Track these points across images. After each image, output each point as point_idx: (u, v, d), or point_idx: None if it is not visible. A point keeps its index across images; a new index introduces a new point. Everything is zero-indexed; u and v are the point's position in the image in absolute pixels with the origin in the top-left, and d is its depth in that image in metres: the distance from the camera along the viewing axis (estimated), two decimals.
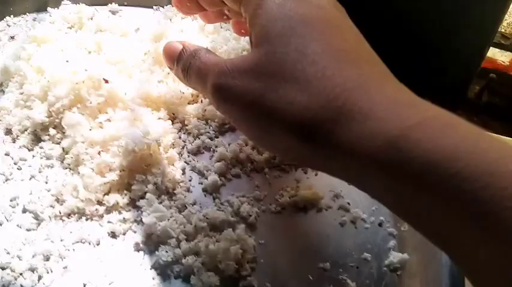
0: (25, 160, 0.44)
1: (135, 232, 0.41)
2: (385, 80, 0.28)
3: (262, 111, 0.28)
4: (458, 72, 0.61)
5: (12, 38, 0.53)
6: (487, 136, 0.24)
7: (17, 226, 0.40)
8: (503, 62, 0.78)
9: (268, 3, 0.30)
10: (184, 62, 0.35)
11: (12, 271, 0.37)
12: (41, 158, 0.44)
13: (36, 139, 0.45)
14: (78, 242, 0.40)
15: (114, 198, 0.42)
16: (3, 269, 0.37)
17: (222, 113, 0.34)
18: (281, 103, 0.28)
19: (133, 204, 0.42)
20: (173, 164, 0.45)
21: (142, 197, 0.42)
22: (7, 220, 0.41)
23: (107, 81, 0.45)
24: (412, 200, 0.24)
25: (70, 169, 0.44)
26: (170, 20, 0.56)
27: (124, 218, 0.41)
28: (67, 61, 0.47)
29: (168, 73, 0.49)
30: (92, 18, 0.56)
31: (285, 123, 0.28)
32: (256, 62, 0.29)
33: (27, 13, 0.56)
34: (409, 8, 0.56)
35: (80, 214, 0.41)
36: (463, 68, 0.61)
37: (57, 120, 0.45)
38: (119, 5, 0.58)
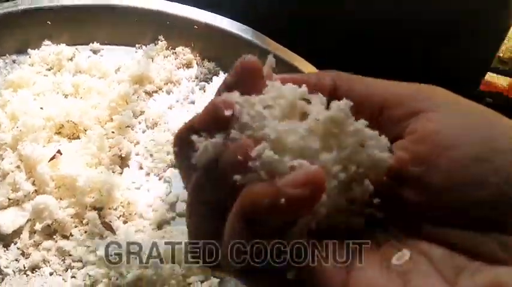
0: None
1: None
2: None
3: None
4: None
5: None
6: None
7: None
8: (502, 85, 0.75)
9: None
10: None
11: None
12: None
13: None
14: None
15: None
16: None
17: None
18: None
19: None
20: None
21: None
22: None
23: (60, 153, 0.44)
24: None
25: None
26: (152, 59, 0.55)
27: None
28: (41, 108, 0.46)
29: None
30: (71, 59, 0.54)
31: None
32: None
33: (7, 54, 0.54)
34: None
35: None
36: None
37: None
38: (100, 44, 0.57)
